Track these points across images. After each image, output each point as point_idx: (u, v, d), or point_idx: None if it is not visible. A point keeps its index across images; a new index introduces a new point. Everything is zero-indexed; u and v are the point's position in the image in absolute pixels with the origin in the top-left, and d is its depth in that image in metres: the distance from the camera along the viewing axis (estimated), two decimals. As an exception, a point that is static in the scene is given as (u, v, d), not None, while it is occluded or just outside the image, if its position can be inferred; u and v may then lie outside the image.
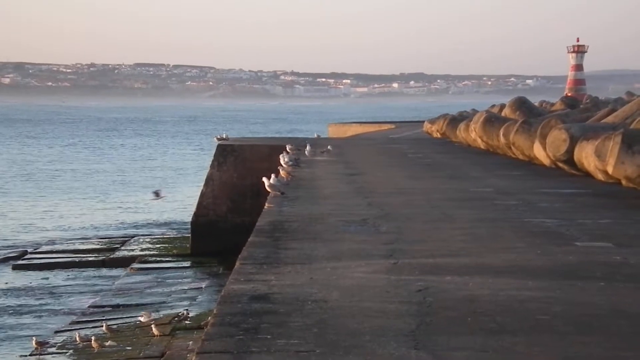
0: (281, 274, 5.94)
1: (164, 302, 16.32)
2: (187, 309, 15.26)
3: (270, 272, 5.98)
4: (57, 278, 19.45)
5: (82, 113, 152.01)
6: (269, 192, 10.77)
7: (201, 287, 17.77)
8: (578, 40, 64.74)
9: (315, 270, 6.07)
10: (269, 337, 4.31)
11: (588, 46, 65.37)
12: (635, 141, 11.03)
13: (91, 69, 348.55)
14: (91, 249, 22.78)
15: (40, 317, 15.99)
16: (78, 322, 15.11)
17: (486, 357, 4.00)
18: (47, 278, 19.44)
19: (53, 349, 12.99)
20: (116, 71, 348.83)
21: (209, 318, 4.90)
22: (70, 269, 20.27)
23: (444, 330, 4.46)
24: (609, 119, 16.07)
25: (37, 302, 17.12)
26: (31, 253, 22.42)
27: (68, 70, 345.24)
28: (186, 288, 17.82)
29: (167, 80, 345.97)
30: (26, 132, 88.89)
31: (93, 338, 12.67)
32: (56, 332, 14.41)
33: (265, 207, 9.90)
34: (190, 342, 12.45)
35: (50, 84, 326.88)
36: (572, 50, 64.38)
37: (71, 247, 23.18)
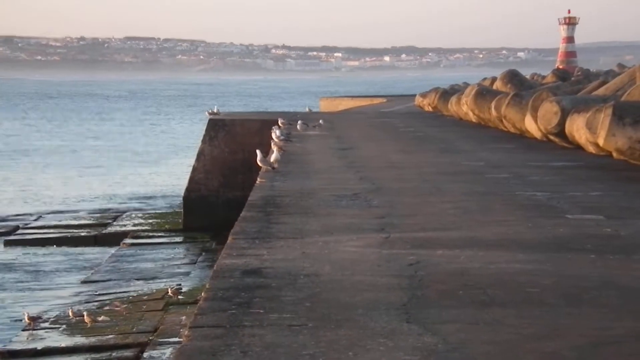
0: (273, 248, 5.96)
1: (156, 278, 16.36)
2: (179, 284, 15.30)
3: (263, 247, 6.00)
4: (49, 253, 19.44)
5: (72, 89, 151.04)
6: (261, 166, 10.76)
7: (194, 262, 17.82)
8: (569, 12, 64.54)
9: (307, 245, 6.09)
10: (261, 311, 4.33)
11: (579, 18, 65.20)
12: (626, 113, 11.05)
13: (81, 42, 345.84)
14: (83, 224, 22.75)
15: (32, 292, 16.01)
16: (70, 297, 15.15)
17: (477, 329, 4.03)
18: (38, 253, 19.43)
19: (46, 324, 13.02)
20: (106, 45, 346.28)
21: (202, 293, 4.92)
22: (62, 245, 20.27)
23: (435, 303, 4.50)
24: (600, 91, 16.08)
25: (30, 278, 17.13)
26: (23, 228, 22.38)
27: (57, 44, 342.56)
28: (179, 263, 17.86)
29: (157, 54, 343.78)
30: (22, 106, 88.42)
31: (85, 313, 12.70)
32: (49, 307, 14.45)
33: (257, 181, 9.90)
34: (184, 317, 12.50)
35: (39, 57, 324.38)
36: (563, 22, 64.18)
37: (63, 222, 23.14)
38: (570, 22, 64.15)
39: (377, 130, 19.53)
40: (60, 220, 23.44)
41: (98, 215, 24.36)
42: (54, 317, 13.46)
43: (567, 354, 3.69)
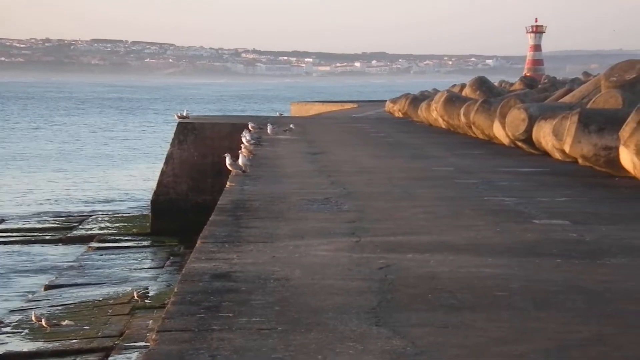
0: (243, 252, 5.94)
1: (123, 282, 16.20)
2: (146, 288, 15.17)
3: (232, 251, 5.97)
4: (13, 257, 19.13)
5: (37, 91, 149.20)
6: (230, 170, 10.71)
7: (161, 266, 17.67)
8: (537, 21, 65.42)
9: (278, 249, 6.07)
10: (230, 315, 4.30)
11: (546, 26, 66.10)
12: (592, 121, 11.21)
13: (46, 44, 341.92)
14: (48, 227, 22.43)
15: (-4, 296, 15.75)
16: (34, 301, 14.93)
17: (446, 332, 4.05)
18: (1, 257, 19.12)
19: (8, 329, 12.82)
20: (72, 47, 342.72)
21: (170, 296, 4.88)
22: (27, 248, 19.97)
23: (405, 306, 4.51)
24: (566, 98, 16.30)
25: (-7, 282, 16.85)
26: (-15, 232, 22.01)
27: (22, 46, 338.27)
28: (146, 267, 17.70)
29: (125, 57, 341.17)
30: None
31: (43, 319, 12.46)
32: (11, 311, 14.23)
33: (226, 185, 9.85)
34: (150, 321, 12.39)
35: (3, 59, 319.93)
36: (530, 30, 65.01)
37: (27, 225, 22.81)
38: (538, 31, 65.01)
39: (348, 135, 19.57)
40: (24, 223, 23.10)
41: (63, 218, 24.05)
42: (16, 322, 13.25)
43: (535, 357, 3.72)
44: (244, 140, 14.31)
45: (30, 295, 15.55)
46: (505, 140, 15.91)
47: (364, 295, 4.72)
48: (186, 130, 21.88)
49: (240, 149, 12.67)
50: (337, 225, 7.11)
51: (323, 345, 3.83)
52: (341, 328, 4.08)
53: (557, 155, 13.02)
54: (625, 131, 9.87)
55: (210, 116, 32.94)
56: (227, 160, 10.69)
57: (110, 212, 25.01)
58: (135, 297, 13.99)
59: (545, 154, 13.70)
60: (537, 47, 64.64)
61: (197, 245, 6.22)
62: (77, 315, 13.32)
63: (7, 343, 12.03)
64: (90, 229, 21.99)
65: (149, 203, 21.93)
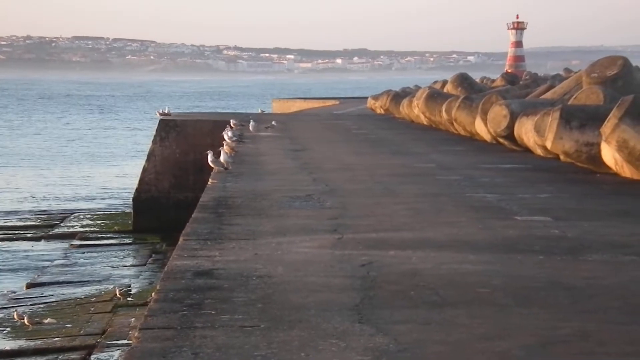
0: (225, 249, 5.91)
1: (105, 279, 16.11)
2: (128, 285, 15.09)
3: (215, 248, 5.95)
4: (-6, 255, 18.97)
5: (17, 88, 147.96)
6: (212, 167, 10.67)
7: (143, 264, 17.59)
8: (518, 17, 65.71)
9: (260, 246, 6.06)
10: (213, 312, 4.28)
11: (527, 23, 66.42)
12: (573, 117, 11.27)
13: (27, 41, 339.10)
14: (29, 225, 22.26)
15: (-24, 295, 15.60)
16: (16, 299, 14.81)
17: (429, 329, 4.06)
18: (-17, 256, 18.94)
19: (-10, 328, 12.71)
20: (53, 44, 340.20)
21: (152, 294, 4.85)
22: (8, 246, 19.80)
23: (387, 303, 4.51)
24: (548, 95, 16.38)
25: (-27, 281, 16.69)
26: (-34, 230, 21.80)
27: (2, 43, 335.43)
28: (128, 265, 17.61)
29: (106, 54, 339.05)
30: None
31: (25, 317, 12.39)
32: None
33: (208, 182, 9.82)
34: (133, 319, 12.33)
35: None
36: (512, 26, 65.31)
37: (8, 223, 22.62)
38: (519, 27, 65.33)
39: (330, 132, 19.56)
40: (5, 221, 22.90)
41: (45, 216, 23.86)
42: (-2, 320, 13.14)
43: (517, 353, 3.74)
44: (225, 137, 14.26)
45: (11, 294, 15.42)
46: (487, 137, 15.98)
47: (347, 292, 4.72)
48: (168, 127, 21.78)
49: (222, 146, 12.62)
50: (319, 222, 7.10)
51: (305, 342, 3.82)
52: (324, 325, 4.08)
53: (539, 151, 13.09)
54: (607, 127, 9.94)
55: (192, 113, 32.81)
56: (209, 158, 10.65)
57: (92, 210, 24.85)
58: (118, 295, 13.92)
59: (527, 150, 13.77)
60: (518, 44, 64.97)
61: (179, 242, 6.19)
62: (60, 313, 13.23)
63: (-13, 342, 11.93)
64: (72, 226, 21.85)
65: (131, 200, 21.82)
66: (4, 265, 18.01)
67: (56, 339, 11.80)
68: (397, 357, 3.65)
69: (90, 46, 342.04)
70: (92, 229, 21.30)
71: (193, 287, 4.79)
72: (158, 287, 4.86)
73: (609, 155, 10.26)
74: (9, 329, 12.54)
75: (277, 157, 13.20)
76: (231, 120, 18.21)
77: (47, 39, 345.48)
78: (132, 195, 21.68)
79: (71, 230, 21.26)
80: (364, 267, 5.39)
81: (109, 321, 12.60)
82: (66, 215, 23.74)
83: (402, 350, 3.74)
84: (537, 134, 12.76)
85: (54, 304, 14.08)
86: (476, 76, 32.60)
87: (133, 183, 22.97)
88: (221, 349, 3.72)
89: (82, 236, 20.32)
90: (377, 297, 4.64)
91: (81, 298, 14.44)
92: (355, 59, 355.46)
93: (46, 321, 12.48)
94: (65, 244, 19.63)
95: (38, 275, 16.77)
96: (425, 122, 21.65)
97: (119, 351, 11.05)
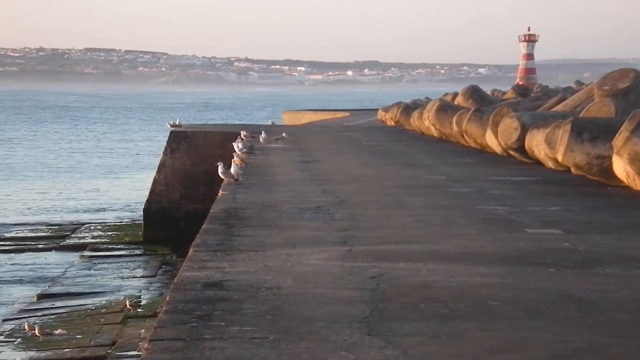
0: (235, 261, 5.92)
1: (115, 290, 16.14)
2: (138, 297, 15.10)
3: (224, 259, 5.95)
4: (6, 266, 19.05)
5: (30, 100, 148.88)
6: (223, 179, 10.69)
7: (154, 275, 17.61)
8: (529, 30, 65.75)
9: (270, 257, 6.06)
10: (222, 324, 4.28)
11: (539, 35, 66.43)
12: (585, 130, 11.24)
13: (40, 53, 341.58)
14: (40, 236, 22.36)
15: (-13, 306, 15.66)
16: (27, 311, 14.85)
17: (438, 342, 4.04)
18: (-6, 266, 19.02)
19: (0, 338, 12.75)
20: (66, 56, 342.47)
21: (162, 305, 4.85)
22: (20, 257, 19.88)
23: (397, 316, 4.50)
24: (559, 107, 16.35)
25: (-15, 291, 16.75)
26: (-22, 241, 21.90)
27: (16, 55, 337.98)
28: (138, 276, 17.64)
29: (118, 65, 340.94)
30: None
31: (37, 327, 12.43)
32: (4, 320, 14.16)
33: (219, 194, 9.84)
34: (142, 330, 12.33)
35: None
36: (523, 39, 65.33)
37: (20, 234, 22.73)
38: (530, 40, 65.32)
39: (340, 144, 19.58)
40: (17, 232, 23.01)
41: (56, 227, 23.96)
42: (9, 331, 13.19)
43: (528, 366, 3.71)
44: (236, 148, 14.30)
45: (21, 305, 15.47)
46: (498, 149, 15.94)
47: (356, 305, 4.71)
48: (179, 138, 21.87)
49: (233, 158, 12.65)
50: (329, 234, 7.10)
51: (315, 354, 3.81)
52: (333, 337, 4.07)
53: (550, 164, 13.05)
54: (618, 140, 9.90)
55: (202, 125, 32.94)
56: (220, 169, 10.67)
57: (102, 221, 24.94)
58: (128, 306, 13.93)
59: (538, 162, 13.73)
60: (529, 56, 64.93)
61: (189, 253, 6.20)
62: (70, 324, 13.26)
63: (0, 352, 11.98)
64: (83, 237, 21.93)
65: (142, 212, 21.88)
66: (15, 276, 18.08)
67: (67, 349, 11.82)
68: (407, 370, 3.64)
69: (102, 58, 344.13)
70: (102, 240, 21.37)
71: (203, 299, 4.79)
72: (168, 299, 4.86)
73: (621, 168, 10.22)
74: (20, 339, 12.58)
75: (287, 168, 13.22)
76: (242, 132, 18.26)
77: (59, 50, 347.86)
78: (143, 207, 21.74)
79: (82, 241, 21.34)
80: (373, 279, 5.38)
81: (119, 332, 12.62)
82: (77, 226, 23.84)
83: (411, 363, 3.72)
84: (548, 146, 12.73)
85: (65, 314, 14.11)
86: (487, 88, 32.57)
87: (144, 194, 23.03)
88: (230, 361, 3.71)
89: (93, 247, 20.39)
90: (386, 309, 4.63)
91: (91, 309, 14.47)
92: (366, 70, 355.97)
93: (57, 332, 12.51)
94: (76, 255, 19.70)
95: (49, 286, 16.82)
96: (435, 134, 21.63)
97: (128, 362, 11.05)
